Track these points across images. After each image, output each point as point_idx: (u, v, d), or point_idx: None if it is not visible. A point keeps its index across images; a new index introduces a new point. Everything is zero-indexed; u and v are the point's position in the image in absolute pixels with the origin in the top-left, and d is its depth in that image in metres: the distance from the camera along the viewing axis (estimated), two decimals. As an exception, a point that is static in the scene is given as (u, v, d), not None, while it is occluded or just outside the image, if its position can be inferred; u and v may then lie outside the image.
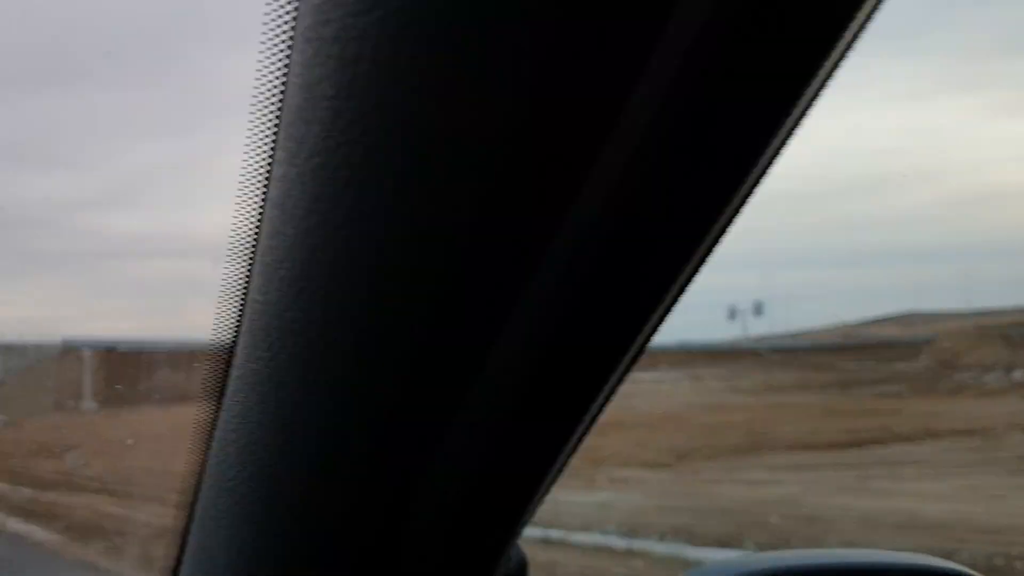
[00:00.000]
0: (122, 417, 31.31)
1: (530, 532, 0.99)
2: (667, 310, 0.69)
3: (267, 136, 0.64)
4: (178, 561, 0.99)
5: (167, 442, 15.23)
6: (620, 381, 0.74)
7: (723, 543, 8.05)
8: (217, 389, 0.83)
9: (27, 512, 9.59)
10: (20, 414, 34.32)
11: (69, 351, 40.00)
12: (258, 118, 0.63)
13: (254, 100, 0.64)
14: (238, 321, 0.78)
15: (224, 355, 0.80)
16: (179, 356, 32.15)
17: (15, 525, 8.78)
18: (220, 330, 0.80)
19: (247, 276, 0.75)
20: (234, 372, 0.78)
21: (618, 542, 8.42)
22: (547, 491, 0.82)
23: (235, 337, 0.79)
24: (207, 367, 0.83)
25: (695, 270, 0.66)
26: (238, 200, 0.71)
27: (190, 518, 0.95)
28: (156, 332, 46.87)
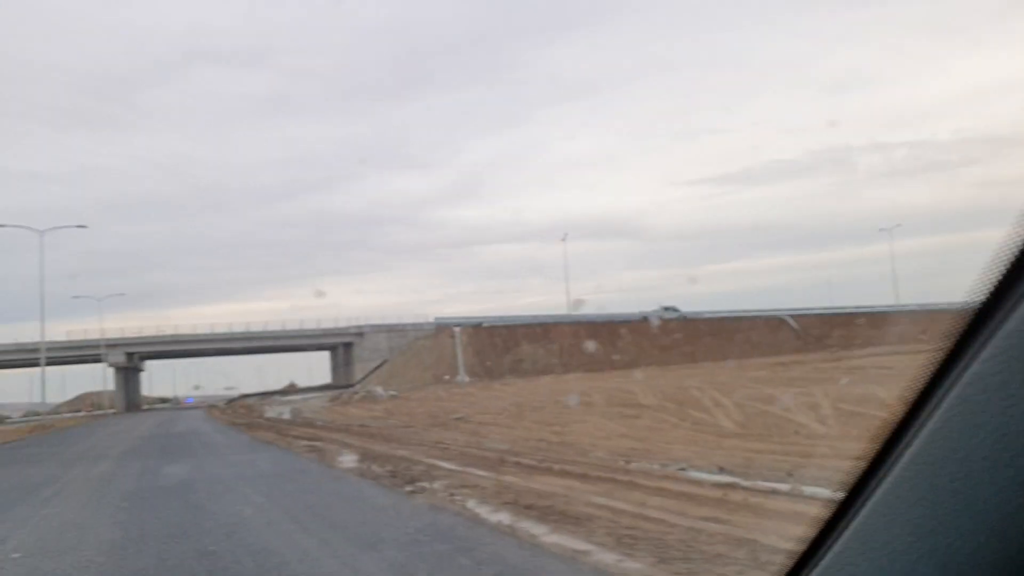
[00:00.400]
0: (495, 389, 77.90)
1: None
2: None
3: None
4: (810, 550, 1.00)
5: (548, 412, 30.36)
6: None
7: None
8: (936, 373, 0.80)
9: (529, 509, 8.64)
10: (405, 388, 79.38)
11: (442, 329, 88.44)
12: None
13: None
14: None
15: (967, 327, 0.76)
16: (534, 329, 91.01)
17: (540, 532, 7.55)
18: (978, 294, 0.77)
19: None
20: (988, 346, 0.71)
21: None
22: None
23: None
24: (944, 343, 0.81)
25: None
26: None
27: (842, 515, 0.94)
28: (506, 310, 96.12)
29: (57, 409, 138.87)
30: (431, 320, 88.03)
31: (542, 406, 39.55)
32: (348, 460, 13.34)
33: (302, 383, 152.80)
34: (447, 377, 79.96)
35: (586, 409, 26.86)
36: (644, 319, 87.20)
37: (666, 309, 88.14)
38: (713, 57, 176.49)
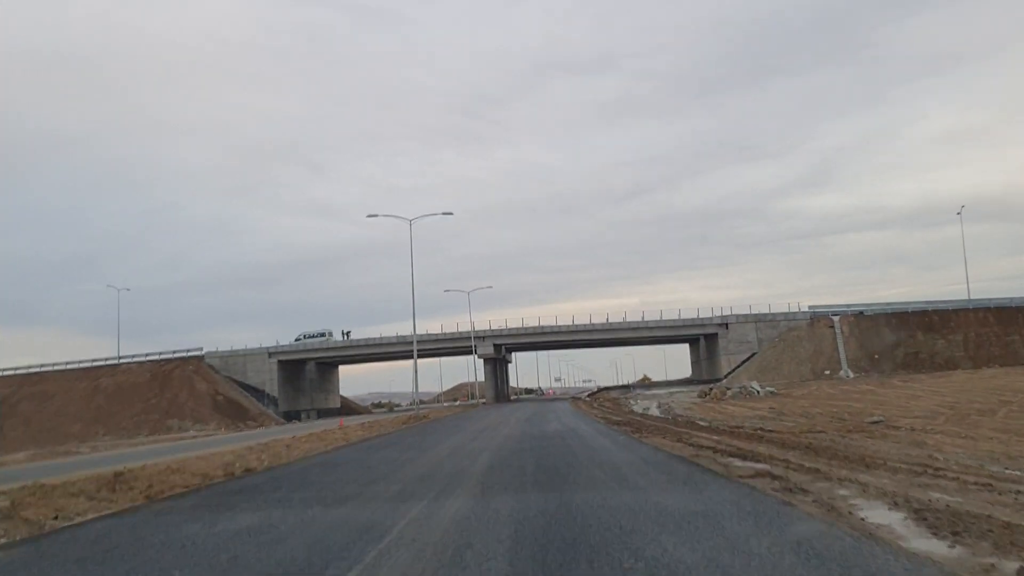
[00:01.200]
0: (897, 386, 67.00)
1: None
2: None
3: None
4: None
5: (1006, 417, 25.17)
6: None
7: None
8: None
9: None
10: (780, 383, 69.70)
11: (818, 319, 77.37)
12: None
13: None
14: None
15: None
16: (929, 317, 76.13)
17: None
18: None
19: None
20: None
21: None
22: None
23: None
24: None
25: None
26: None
27: None
28: (854, 300, 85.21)
29: (438, 398, 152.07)
30: (804, 309, 78.90)
31: (990, 409, 30.95)
32: (877, 510, 7.40)
33: (654, 377, 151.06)
34: (827, 372, 70.97)
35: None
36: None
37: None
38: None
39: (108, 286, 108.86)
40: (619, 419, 31.27)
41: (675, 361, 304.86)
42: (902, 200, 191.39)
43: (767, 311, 79.19)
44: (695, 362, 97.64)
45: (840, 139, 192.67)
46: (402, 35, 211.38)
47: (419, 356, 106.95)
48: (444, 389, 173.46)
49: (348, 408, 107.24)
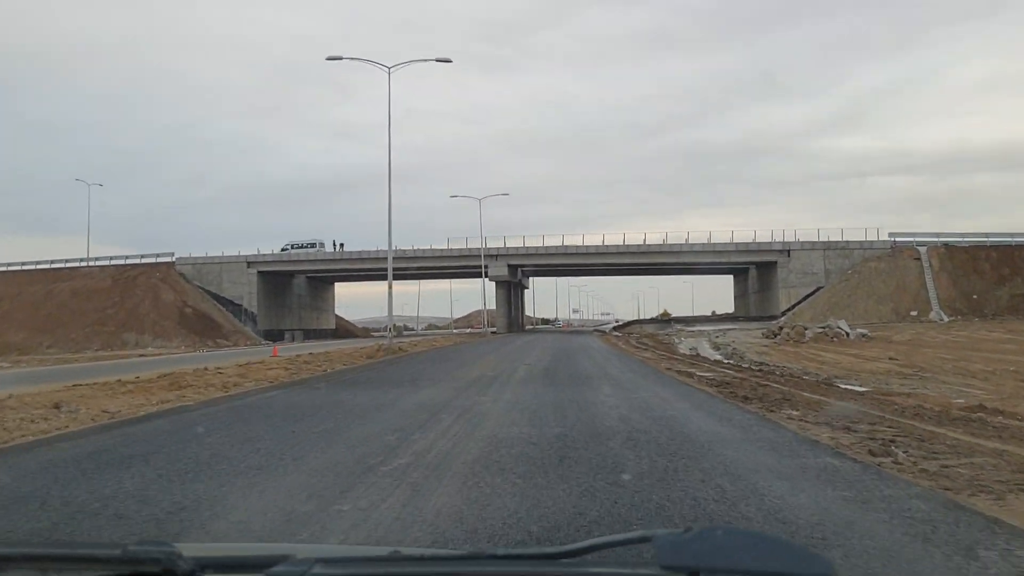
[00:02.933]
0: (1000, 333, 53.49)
1: None
2: None
3: None
4: None
5: None
6: None
7: None
8: None
9: None
10: (858, 324, 56.34)
11: (901, 250, 62.95)
12: None
13: None
14: None
15: None
16: None
17: None
18: None
19: None
20: None
21: None
22: None
23: None
24: None
25: None
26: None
27: None
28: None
29: (450, 325, 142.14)
30: (883, 238, 65.50)
31: None
32: None
33: (675, 312, 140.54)
34: (913, 313, 58.05)
35: None
36: None
37: None
38: None
39: (77, 180, 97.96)
40: (702, 373, 18.89)
41: (706, 296, 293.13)
42: (931, 145, 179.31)
43: (839, 238, 65.89)
44: (739, 296, 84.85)
45: (874, 81, 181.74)
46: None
47: (423, 276, 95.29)
48: (455, 317, 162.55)
49: (344, 330, 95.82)
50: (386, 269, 54.76)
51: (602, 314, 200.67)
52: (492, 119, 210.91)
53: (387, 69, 36.46)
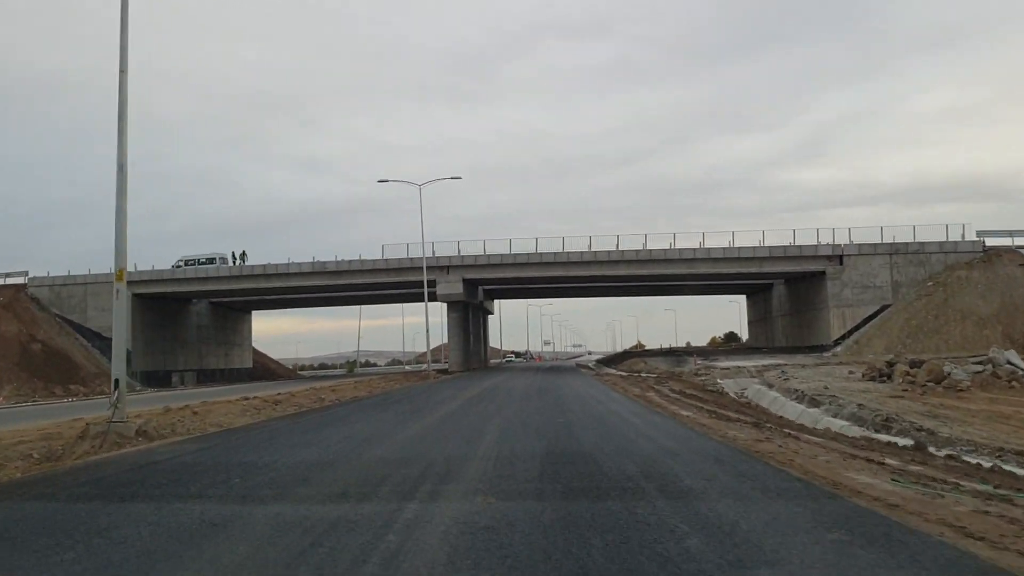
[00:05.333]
0: None
1: None
2: None
3: None
4: None
5: None
6: None
7: None
8: None
9: None
10: (960, 352, 38.94)
11: (1000, 253, 45.06)
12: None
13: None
14: None
15: None
16: None
17: None
18: None
19: None
20: None
21: None
22: None
23: None
24: None
25: None
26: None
27: None
28: None
29: (420, 358, 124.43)
30: (972, 237, 48.52)
31: None
32: None
33: (650, 344, 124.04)
34: (1034, 339, 40.94)
35: None
36: None
37: None
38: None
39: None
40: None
41: (697, 325, 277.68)
42: (893, 177, 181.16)
43: (909, 237, 48.82)
44: (757, 321, 67.49)
45: (836, 112, 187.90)
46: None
47: (354, 299, 76.51)
48: (420, 351, 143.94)
49: (264, 369, 77.11)
50: (305, 288, 39.11)
51: (573, 346, 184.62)
52: (461, 150, 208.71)
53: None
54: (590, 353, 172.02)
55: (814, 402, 22.58)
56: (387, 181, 46.98)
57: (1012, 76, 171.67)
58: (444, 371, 54.67)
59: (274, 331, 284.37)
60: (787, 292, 57.38)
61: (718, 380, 34.16)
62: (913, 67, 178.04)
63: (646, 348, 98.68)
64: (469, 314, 60.70)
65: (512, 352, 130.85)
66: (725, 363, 41.82)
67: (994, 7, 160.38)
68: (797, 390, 26.05)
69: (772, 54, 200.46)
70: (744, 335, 79.79)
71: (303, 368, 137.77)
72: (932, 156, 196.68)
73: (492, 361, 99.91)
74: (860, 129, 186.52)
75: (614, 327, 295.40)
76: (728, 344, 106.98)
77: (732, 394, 27.88)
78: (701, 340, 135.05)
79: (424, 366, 52.62)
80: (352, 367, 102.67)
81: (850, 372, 31.08)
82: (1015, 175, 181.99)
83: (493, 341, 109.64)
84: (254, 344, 77.28)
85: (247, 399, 23.24)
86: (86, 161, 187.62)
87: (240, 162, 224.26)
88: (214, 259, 59.01)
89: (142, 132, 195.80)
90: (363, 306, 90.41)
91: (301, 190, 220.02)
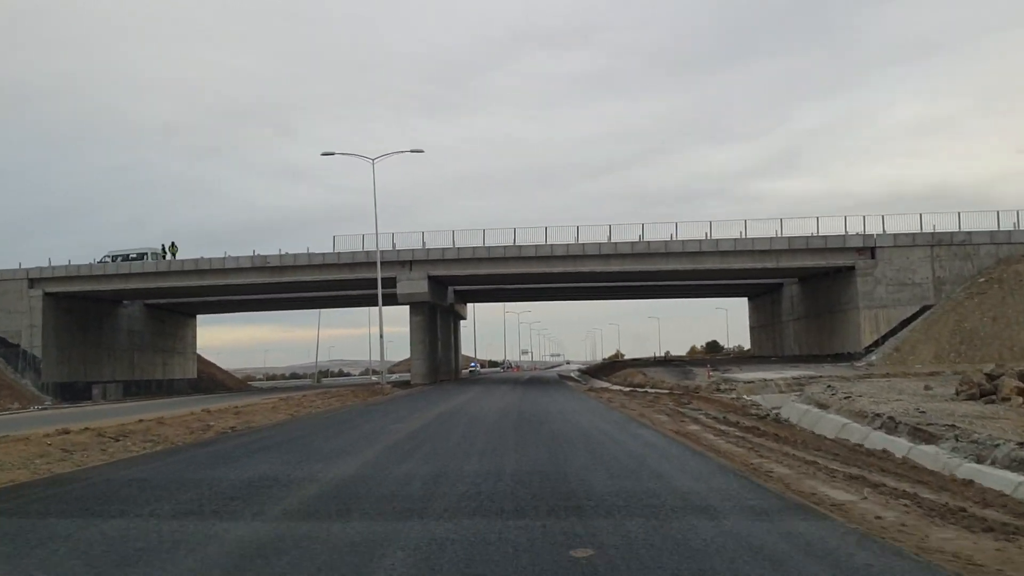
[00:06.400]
0: None
1: None
2: None
3: None
4: None
5: None
6: None
7: None
8: None
9: None
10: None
11: None
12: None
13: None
14: None
15: None
16: None
17: None
18: None
19: None
20: None
21: None
22: None
23: None
24: None
25: None
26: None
27: None
28: None
29: (393, 368, 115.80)
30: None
31: None
32: None
33: (629, 354, 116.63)
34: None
35: None
36: None
37: None
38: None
39: None
40: None
41: (674, 334, 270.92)
42: (865, 187, 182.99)
43: (953, 226, 41.55)
44: (762, 327, 60.09)
45: (812, 123, 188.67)
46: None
47: (303, 302, 67.75)
48: (397, 360, 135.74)
49: (212, 380, 68.71)
50: (246, 288, 32.58)
51: (551, 355, 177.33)
52: (443, 159, 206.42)
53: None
54: (568, 363, 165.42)
55: (922, 436, 14.92)
56: (333, 154, 39.63)
57: (984, 88, 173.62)
58: (406, 383, 46.74)
59: (248, 340, 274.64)
60: (801, 292, 50.01)
61: (745, 396, 26.75)
62: (886, 79, 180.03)
63: (629, 358, 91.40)
64: (437, 318, 52.80)
65: (476, 361, 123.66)
66: (743, 375, 34.27)
67: (958, 24, 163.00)
68: (878, 415, 18.40)
69: (751, 66, 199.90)
70: (729, 344, 72.40)
71: (273, 378, 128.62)
72: (905, 167, 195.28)
73: (467, 370, 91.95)
74: (834, 140, 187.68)
75: (594, 335, 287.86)
76: (711, 354, 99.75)
77: (812, 422, 20.37)
78: (681, 350, 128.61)
79: (375, 377, 44.58)
80: (318, 379, 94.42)
81: (926, 387, 23.59)
82: (988, 185, 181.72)
83: (467, 349, 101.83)
84: (206, 353, 68.84)
85: (88, 429, 15.48)
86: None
87: (220, 170, 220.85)
88: (144, 254, 50.83)
89: (122, 140, 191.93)
90: (348, 311, 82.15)
91: (282, 198, 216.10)
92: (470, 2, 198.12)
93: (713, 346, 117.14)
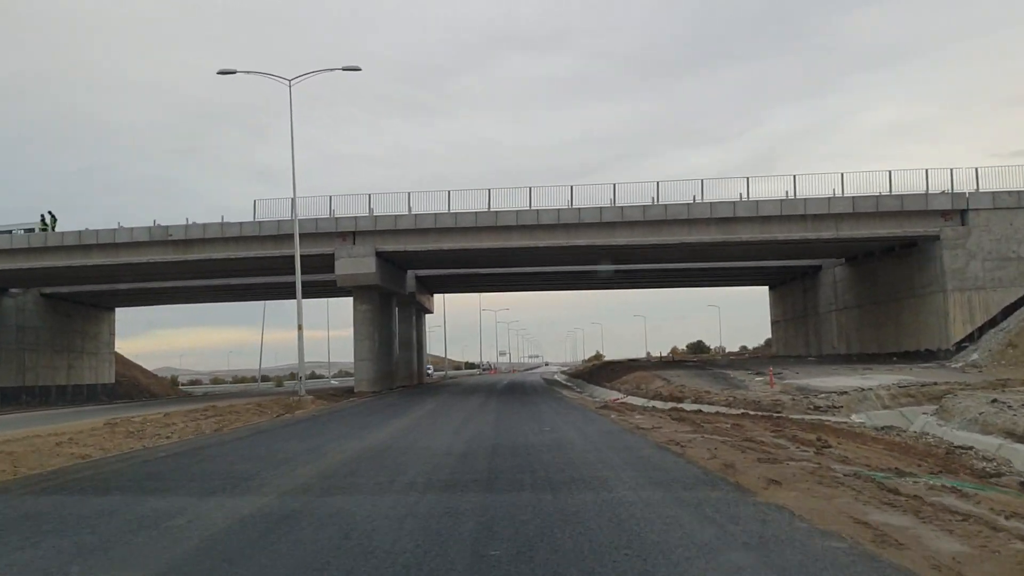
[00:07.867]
0: None
1: None
2: None
3: None
4: None
5: None
6: None
7: None
8: None
9: None
10: None
11: None
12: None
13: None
14: None
15: None
16: None
17: None
18: None
19: None
20: None
21: None
22: None
23: None
24: None
25: None
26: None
27: None
28: None
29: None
30: None
31: None
32: None
33: (609, 355, 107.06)
34: None
35: None
36: None
37: None
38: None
39: None
40: None
41: (653, 335, 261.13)
42: (845, 190, 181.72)
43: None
44: (788, 321, 49.90)
45: (785, 127, 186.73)
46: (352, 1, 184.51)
47: (259, 292, 56.65)
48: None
49: (134, 385, 57.76)
50: (148, 268, 25.73)
51: (530, 356, 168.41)
52: (416, 161, 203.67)
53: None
54: (547, 364, 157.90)
55: None
56: (232, 72, 29.37)
57: (957, 93, 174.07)
58: (348, 391, 35.98)
59: (221, 342, 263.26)
60: (851, 276, 39.88)
61: (853, 418, 16.58)
62: (859, 84, 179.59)
63: (626, 359, 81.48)
64: (393, 309, 42.19)
65: (465, 363, 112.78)
66: (815, 381, 23.94)
67: (929, 31, 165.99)
68: None
69: (725, 70, 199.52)
70: (729, 345, 62.60)
71: (244, 380, 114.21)
72: (876, 170, 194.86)
73: (437, 373, 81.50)
74: (807, 144, 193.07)
75: (575, 335, 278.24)
76: (695, 355, 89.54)
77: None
78: (662, 350, 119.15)
79: (296, 385, 33.64)
80: (280, 381, 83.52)
81: None
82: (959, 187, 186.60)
83: (436, 349, 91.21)
84: (165, 356, 57.80)
85: None
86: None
87: (193, 171, 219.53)
88: (32, 228, 39.91)
89: (92, 141, 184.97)
90: (335, 306, 71.51)
91: (251, 200, 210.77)
92: (444, 4, 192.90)
93: (699, 347, 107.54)
